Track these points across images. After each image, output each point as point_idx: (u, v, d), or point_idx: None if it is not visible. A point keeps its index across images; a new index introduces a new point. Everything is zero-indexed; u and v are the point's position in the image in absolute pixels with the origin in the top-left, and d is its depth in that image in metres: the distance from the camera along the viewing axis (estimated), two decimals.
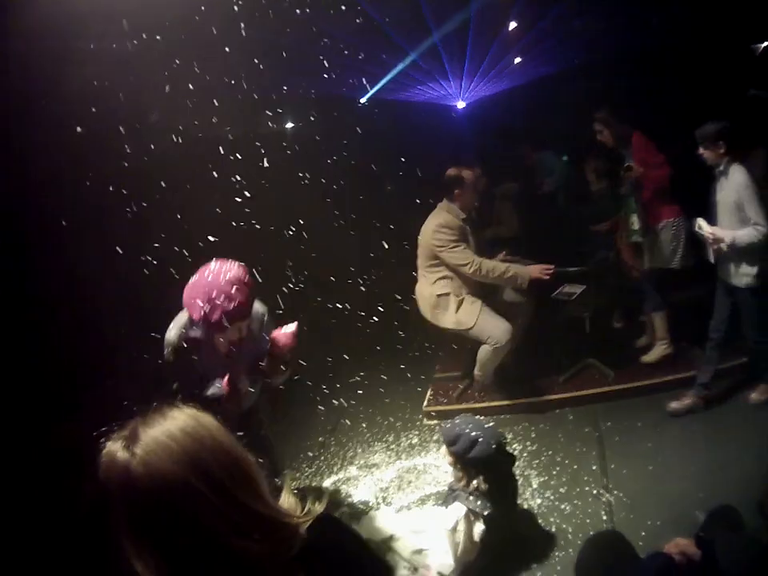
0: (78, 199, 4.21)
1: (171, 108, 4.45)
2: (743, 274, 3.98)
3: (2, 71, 3.71)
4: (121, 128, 4.19)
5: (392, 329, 5.59)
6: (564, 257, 4.91)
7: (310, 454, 4.79)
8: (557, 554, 3.27)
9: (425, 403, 5.22)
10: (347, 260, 5.83)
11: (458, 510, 3.20)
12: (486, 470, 3.21)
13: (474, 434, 3.23)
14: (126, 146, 4.35)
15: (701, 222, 4.01)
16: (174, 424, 1.31)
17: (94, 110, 4.01)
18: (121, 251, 4.03)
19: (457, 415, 3.52)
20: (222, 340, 3.05)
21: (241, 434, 1.41)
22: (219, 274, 2.87)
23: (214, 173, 4.43)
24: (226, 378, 3.01)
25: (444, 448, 3.37)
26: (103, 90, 4.11)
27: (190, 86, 4.33)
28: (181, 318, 3.06)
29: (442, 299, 4.81)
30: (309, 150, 5.17)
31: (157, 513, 1.24)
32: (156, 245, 4.21)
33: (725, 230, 3.93)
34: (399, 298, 5.08)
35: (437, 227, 4.73)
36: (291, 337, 3.15)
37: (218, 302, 2.81)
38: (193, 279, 2.91)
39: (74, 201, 4.19)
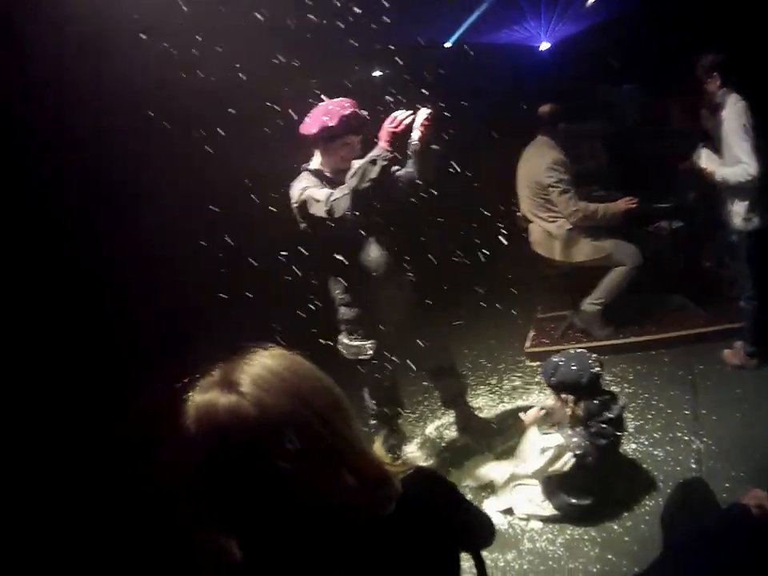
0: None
1: (257, 63, 4.54)
2: (734, 213, 3.89)
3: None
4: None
5: (493, 270, 5.60)
6: (654, 193, 4.96)
7: (415, 399, 4.96)
8: (647, 502, 3.32)
9: (527, 344, 5.31)
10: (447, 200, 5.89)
11: (555, 439, 3.30)
12: (580, 397, 3.28)
13: (568, 361, 3.33)
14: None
15: (701, 152, 3.94)
16: (273, 361, 1.25)
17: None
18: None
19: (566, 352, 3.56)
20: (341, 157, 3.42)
21: None
22: (331, 101, 3.39)
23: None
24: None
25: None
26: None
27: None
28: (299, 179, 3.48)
29: (573, 232, 4.88)
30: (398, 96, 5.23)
31: (267, 455, 1.16)
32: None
33: (717, 164, 3.86)
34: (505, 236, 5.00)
35: (551, 164, 4.80)
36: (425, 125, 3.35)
37: (336, 109, 3.30)
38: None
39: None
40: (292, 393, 1.20)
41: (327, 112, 3.33)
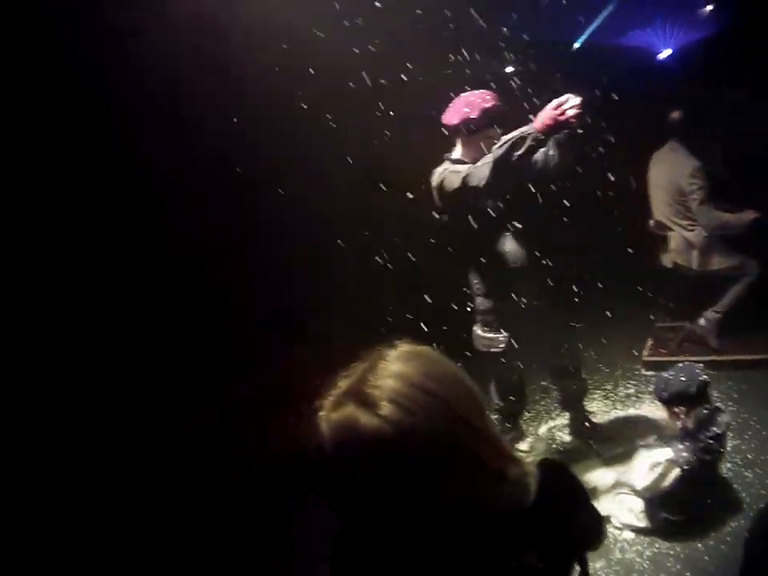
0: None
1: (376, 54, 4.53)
2: None
3: None
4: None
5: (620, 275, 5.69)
6: None
7: (531, 398, 5.06)
8: (731, 523, 3.52)
9: (645, 353, 5.47)
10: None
11: (664, 453, 3.48)
12: (691, 408, 3.49)
13: (677, 374, 3.55)
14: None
15: None
16: (408, 369, 1.18)
17: None
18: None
19: (674, 366, 3.74)
20: (481, 148, 3.42)
21: None
22: (471, 93, 3.50)
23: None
24: None
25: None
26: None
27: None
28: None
29: (711, 240, 5.02)
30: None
31: (410, 477, 1.14)
32: None
33: None
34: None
35: (693, 170, 4.91)
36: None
37: (478, 101, 3.41)
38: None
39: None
40: (435, 406, 1.15)
41: (469, 104, 3.43)
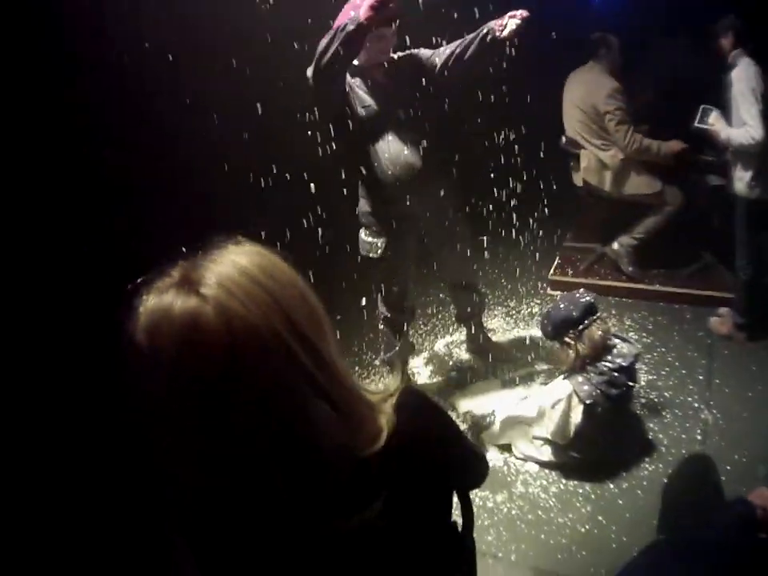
0: None
1: None
2: (738, 178, 3.83)
3: None
4: None
5: (531, 192, 5.36)
6: (700, 144, 4.67)
7: (429, 311, 4.92)
8: (647, 466, 3.30)
9: (550, 272, 5.24)
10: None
11: (564, 388, 3.23)
12: (579, 335, 3.19)
13: (556, 305, 3.28)
14: None
15: (711, 112, 3.88)
16: (245, 259, 1.05)
17: None
18: None
19: (579, 288, 3.47)
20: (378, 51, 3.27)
21: None
22: None
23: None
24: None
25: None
26: None
27: None
28: None
29: (626, 163, 4.75)
30: None
31: (231, 376, 0.97)
32: None
33: (723, 125, 3.80)
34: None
35: (612, 91, 4.62)
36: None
37: (358, 2, 3.00)
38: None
39: None
40: (265, 300, 1.01)
41: (354, 6, 3.10)
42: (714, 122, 3.87)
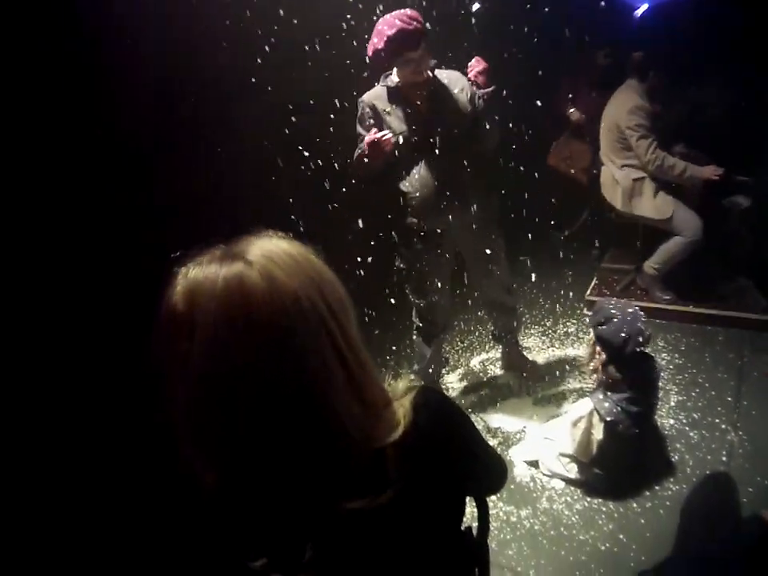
0: None
1: None
2: None
3: None
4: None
5: (568, 212, 5.58)
6: (737, 164, 4.71)
7: (467, 328, 5.02)
8: (671, 486, 3.30)
9: (587, 292, 5.27)
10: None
11: (586, 405, 3.27)
12: (617, 355, 3.13)
13: (621, 321, 3.13)
14: None
15: None
16: (286, 243, 1.10)
17: None
18: None
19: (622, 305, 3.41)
20: (409, 73, 3.33)
21: None
22: (388, 15, 3.28)
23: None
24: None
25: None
26: None
27: None
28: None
29: (638, 184, 4.75)
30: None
31: (272, 341, 1.00)
32: None
33: None
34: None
35: (633, 108, 4.62)
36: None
37: (384, 29, 3.21)
38: None
39: None
40: (306, 275, 1.05)
41: (377, 33, 3.26)
42: None
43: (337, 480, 1.06)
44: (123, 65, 3.30)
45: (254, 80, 3.96)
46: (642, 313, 3.23)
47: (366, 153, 3.29)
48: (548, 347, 4.74)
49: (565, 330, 4.94)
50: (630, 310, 3.19)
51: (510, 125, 4.26)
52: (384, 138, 3.24)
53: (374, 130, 3.32)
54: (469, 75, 3.46)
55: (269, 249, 1.06)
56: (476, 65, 3.46)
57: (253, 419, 1.01)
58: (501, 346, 4.44)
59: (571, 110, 5.80)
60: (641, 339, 3.12)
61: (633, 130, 4.62)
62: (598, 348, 3.25)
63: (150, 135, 3.44)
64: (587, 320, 3.16)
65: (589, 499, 3.33)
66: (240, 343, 0.98)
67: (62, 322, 3.17)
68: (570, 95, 5.79)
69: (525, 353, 4.48)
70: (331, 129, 3.98)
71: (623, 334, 3.10)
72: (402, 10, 3.26)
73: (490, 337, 4.49)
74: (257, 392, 1.00)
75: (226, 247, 1.07)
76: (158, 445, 1.18)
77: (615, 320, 3.15)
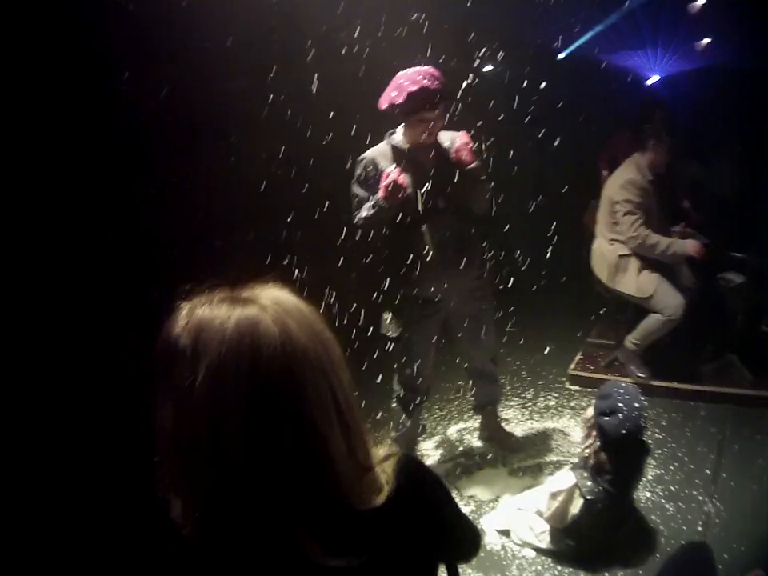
0: None
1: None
2: None
3: None
4: None
5: (556, 286, 5.52)
6: (739, 241, 4.74)
7: (446, 397, 4.95)
8: (645, 557, 3.19)
9: (571, 366, 5.20)
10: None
11: (568, 479, 3.17)
12: (612, 446, 3.05)
13: (626, 416, 3.01)
14: None
15: None
16: (290, 295, 1.12)
17: None
18: None
19: (600, 385, 3.44)
20: (420, 133, 3.31)
21: None
22: (409, 70, 3.24)
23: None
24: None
25: (590, 409, 3.21)
26: None
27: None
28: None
29: (623, 261, 4.71)
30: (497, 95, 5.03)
31: (279, 386, 1.00)
32: None
33: None
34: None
35: (624, 183, 4.63)
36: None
37: (405, 84, 3.16)
38: None
39: None
40: (312, 329, 1.07)
41: (397, 87, 3.20)
42: None
43: (322, 536, 1.04)
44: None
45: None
46: (647, 404, 3.18)
47: (383, 195, 3.23)
48: (527, 419, 4.66)
49: (545, 402, 4.86)
50: (637, 405, 3.08)
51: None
52: (401, 179, 3.21)
53: (387, 172, 3.26)
54: (451, 155, 3.40)
55: (280, 298, 1.08)
56: (458, 141, 3.40)
57: (247, 465, 1.00)
58: (480, 416, 4.37)
59: (604, 172, 5.73)
60: (639, 436, 3.11)
61: (621, 204, 4.63)
62: (594, 432, 3.16)
63: (147, 142, 3.58)
64: (593, 400, 3.11)
65: (560, 568, 3.22)
66: (243, 387, 0.98)
67: (52, 327, 3.28)
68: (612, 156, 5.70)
69: (503, 424, 4.42)
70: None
71: (624, 431, 3.02)
72: (425, 67, 3.24)
73: (471, 407, 4.44)
74: (254, 435, 1.00)
75: (232, 290, 1.09)
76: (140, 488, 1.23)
77: (620, 415, 3.04)
